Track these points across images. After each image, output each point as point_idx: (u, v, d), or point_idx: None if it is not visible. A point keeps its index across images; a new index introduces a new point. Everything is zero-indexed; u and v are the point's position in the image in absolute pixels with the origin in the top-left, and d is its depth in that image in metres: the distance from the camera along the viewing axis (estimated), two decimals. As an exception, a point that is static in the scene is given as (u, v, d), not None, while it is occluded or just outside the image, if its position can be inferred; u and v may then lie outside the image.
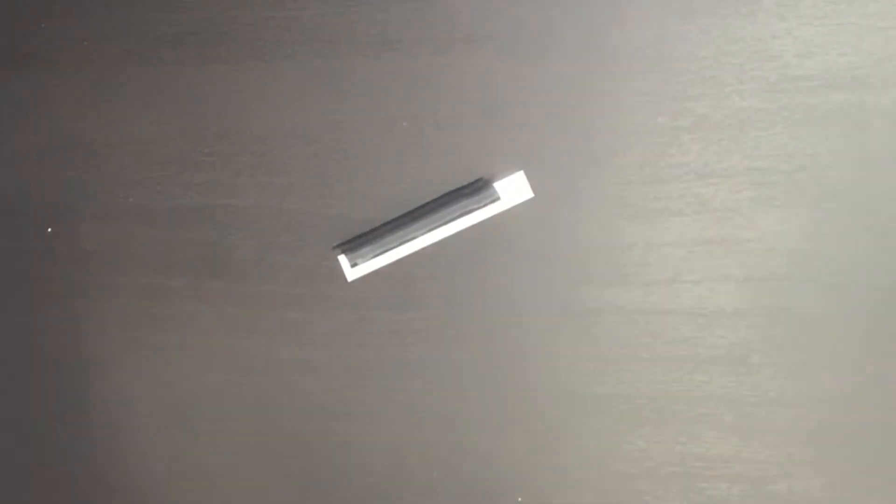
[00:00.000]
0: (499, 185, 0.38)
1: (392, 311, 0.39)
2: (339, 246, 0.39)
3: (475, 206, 0.38)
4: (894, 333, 0.38)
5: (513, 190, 0.38)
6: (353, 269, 0.39)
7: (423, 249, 0.38)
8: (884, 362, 0.38)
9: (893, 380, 0.38)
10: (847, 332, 0.38)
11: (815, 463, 0.39)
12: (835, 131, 0.37)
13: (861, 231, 0.37)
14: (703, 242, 0.38)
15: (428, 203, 0.39)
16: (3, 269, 0.41)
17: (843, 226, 0.37)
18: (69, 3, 0.39)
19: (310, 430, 0.40)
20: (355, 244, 0.39)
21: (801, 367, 0.38)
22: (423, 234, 0.38)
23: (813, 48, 0.36)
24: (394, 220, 0.39)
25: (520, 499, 0.39)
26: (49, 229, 0.40)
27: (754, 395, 0.39)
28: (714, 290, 0.38)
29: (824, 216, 0.37)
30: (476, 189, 0.38)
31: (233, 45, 0.39)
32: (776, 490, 0.39)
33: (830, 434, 0.39)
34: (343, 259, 0.39)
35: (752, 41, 0.37)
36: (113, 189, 0.40)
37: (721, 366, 0.39)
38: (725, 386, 0.39)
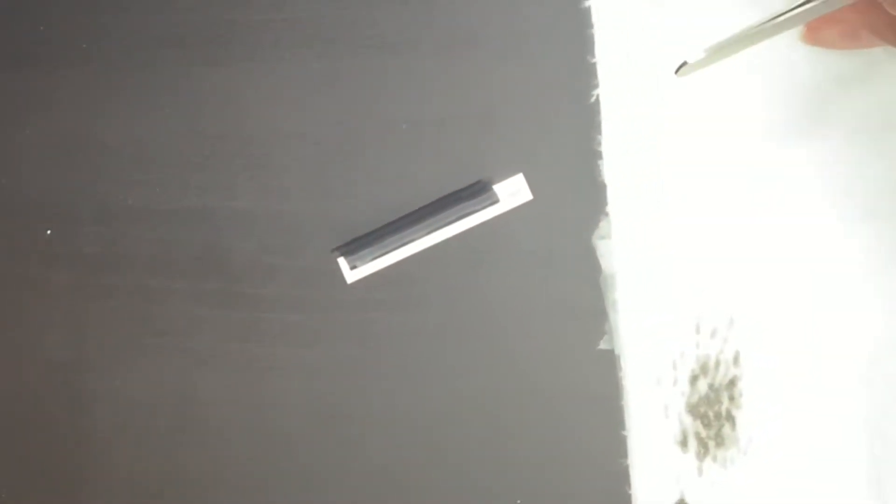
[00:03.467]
0: (498, 188, 0.38)
1: (392, 314, 0.39)
2: (338, 248, 0.39)
3: (474, 209, 0.38)
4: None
5: (512, 192, 0.38)
6: (352, 272, 0.39)
7: (423, 252, 0.38)
8: None
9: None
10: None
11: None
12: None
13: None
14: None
15: (427, 205, 0.39)
16: (3, 269, 0.41)
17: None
18: (69, 4, 0.39)
19: (309, 430, 0.40)
20: (354, 246, 0.39)
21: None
22: (422, 236, 0.38)
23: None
24: (393, 222, 0.39)
25: (519, 501, 0.40)
26: (49, 230, 0.40)
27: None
28: (713, 293, 0.38)
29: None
30: (475, 191, 0.38)
31: (232, 47, 0.39)
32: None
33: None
34: (342, 261, 0.38)
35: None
36: (113, 190, 0.40)
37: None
38: (723, 388, 0.39)
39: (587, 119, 0.38)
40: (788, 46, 0.35)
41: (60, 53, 0.39)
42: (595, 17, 0.36)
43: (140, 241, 0.40)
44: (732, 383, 0.37)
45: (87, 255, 0.40)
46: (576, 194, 0.38)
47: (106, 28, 0.39)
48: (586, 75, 0.37)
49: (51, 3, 0.39)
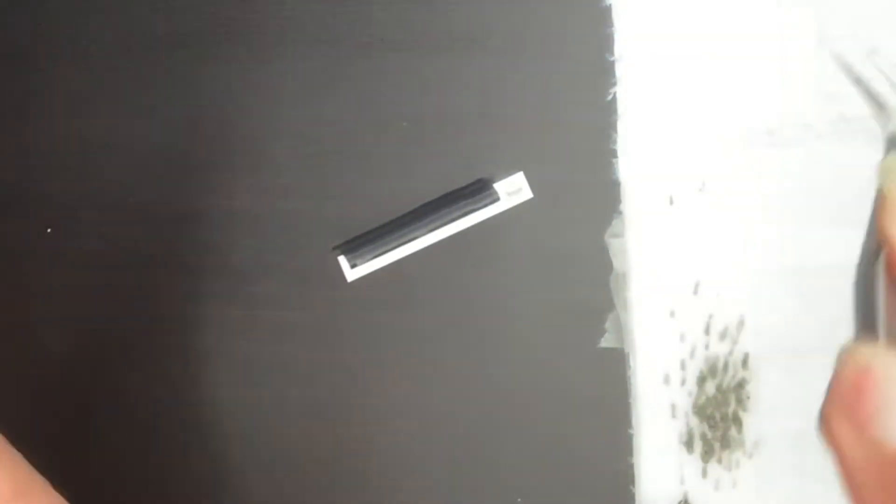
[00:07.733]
0: (498, 186, 0.38)
1: (392, 312, 0.39)
2: (338, 247, 0.39)
3: (475, 207, 0.38)
4: None
5: (512, 190, 0.38)
6: (352, 270, 0.39)
7: (423, 250, 0.38)
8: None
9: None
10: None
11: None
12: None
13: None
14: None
15: (427, 203, 0.39)
16: (3, 269, 0.41)
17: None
18: (69, 3, 0.39)
19: (309, 430, 0.40)
20: (355, 245, 0.39)
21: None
22: (422, 234, 0.38)
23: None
24: (393, 220, 0.39)
25: (519, 500, 0.39)
26: (49, 229, 0.40)
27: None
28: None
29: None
30: (475, 190, 0.38)
31: (232, 46, 0.39)
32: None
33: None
34: (342, 260, 0.39)
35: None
36: (113, 189, 0.40)
37: (721, 367, 0.39)
38: (726, 387, 0.39)
39: (590, 118, 0.38)
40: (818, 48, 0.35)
41: (61, 52, 0.39)
42: (616, 17, 0.36)
43: (140, 240, 0.40)
44: (741, 386, 0.37)
45: (87, 254, 0.40)
46: (577, 193, 0.38)
47: (105, 27, 0.39)
48: (592, 74, 0.37)
49: (51, 2, 0.39)
